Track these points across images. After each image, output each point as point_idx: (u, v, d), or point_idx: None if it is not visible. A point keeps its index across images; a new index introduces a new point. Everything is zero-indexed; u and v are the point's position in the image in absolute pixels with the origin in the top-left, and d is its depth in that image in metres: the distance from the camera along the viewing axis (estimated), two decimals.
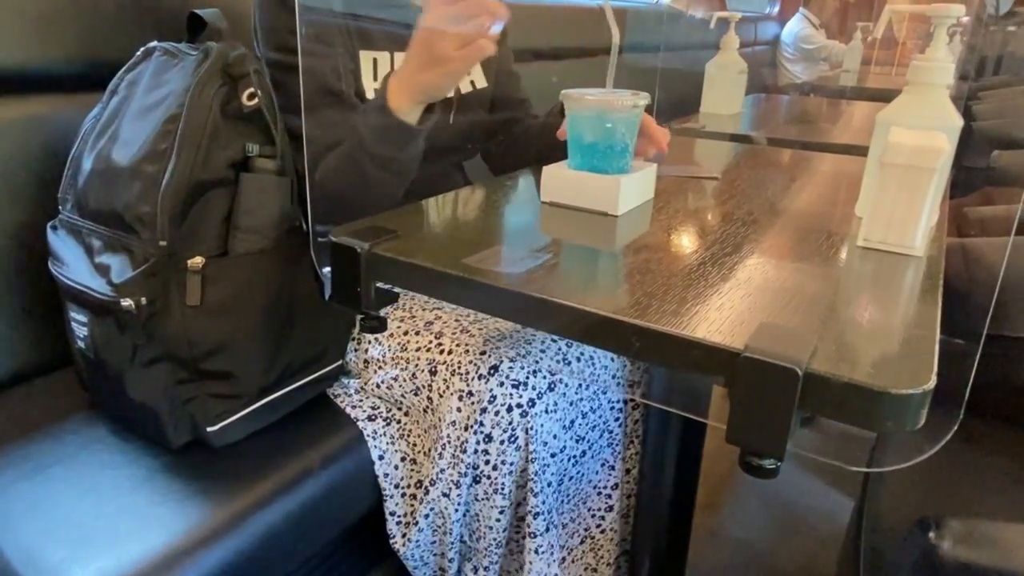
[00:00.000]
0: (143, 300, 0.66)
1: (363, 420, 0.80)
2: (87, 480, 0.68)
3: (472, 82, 0.95)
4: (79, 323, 0.72)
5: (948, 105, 0.64)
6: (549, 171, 0.73)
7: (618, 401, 0.84)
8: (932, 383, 0.39)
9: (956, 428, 0.44)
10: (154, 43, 0.76)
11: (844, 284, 0.57)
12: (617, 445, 0.85)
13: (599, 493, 0.85)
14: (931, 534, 0.50)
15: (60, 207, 0.76)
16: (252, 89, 0.70)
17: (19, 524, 0.63)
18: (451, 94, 0.91)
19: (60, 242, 0.74)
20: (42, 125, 0.83)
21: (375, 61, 0.84)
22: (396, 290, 0.61)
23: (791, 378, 0.39)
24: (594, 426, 0.81)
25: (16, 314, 0.83)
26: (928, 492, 0.70)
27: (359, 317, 0.86)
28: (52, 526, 0.63)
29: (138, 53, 0.76)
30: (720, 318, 0.46)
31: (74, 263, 0.72)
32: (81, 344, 0.73)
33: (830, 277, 0.57)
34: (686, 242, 0.64)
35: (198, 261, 0.68)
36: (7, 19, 0.80)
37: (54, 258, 0.74)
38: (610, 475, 0.85)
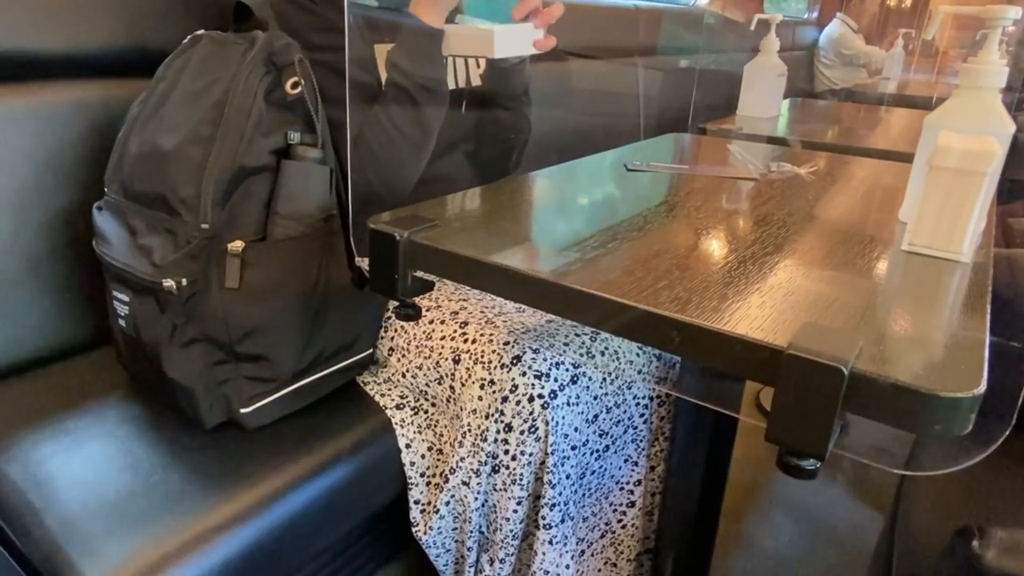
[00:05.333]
0: (184, 281, 0.68)
1: (391, 408, 0.81)
2: (124, 456, 0.70)
3: (481, 76, 0.97)
4: (121, 302, 0.73)
5: (1000, 109, 0.62)
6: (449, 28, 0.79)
7: (643, 397, 0.83)
8: (982, 387, 0.38)
9: (1007, 434, 0.43)
10: (201, 31, 0.77)
11: (889, 287, 0.55)
12: (642, 441, 0.85)
13: (621, 488, 0.85)
14: (974, 543, 0.48)
15: (106, 189, 0.78)
16: (296, 78, 0.71)
17: (60, 496, 0.65)
18: (462, 84, 0.93)
19: (105, 222, 0.76)
20: (90, 109, 0.85)
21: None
22: (431, 278, 0.62)
23: (836, 377, 0.38)
24: (618, 421, 0.80)
25: (61, 292, 0.86)
26: (965, 504, 0.69)
27: (394, 305, 0.87)
28: (91, 499, 0.64)
29: (185, 41, 0.78)
30: (762, 316, 0.46)
31: (118, 243, 0.73)
32: (122, 322, 0.74)
33: (874, 279, 0.56)
34: (725, 241, 0.64)
35: (238, 245, 0.69)
36: (57, 5, 0.82)
37: (99, 238, 0.76)
38: (633, 471, 0.85)
